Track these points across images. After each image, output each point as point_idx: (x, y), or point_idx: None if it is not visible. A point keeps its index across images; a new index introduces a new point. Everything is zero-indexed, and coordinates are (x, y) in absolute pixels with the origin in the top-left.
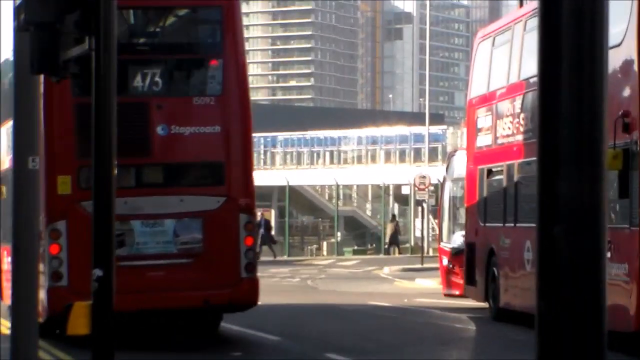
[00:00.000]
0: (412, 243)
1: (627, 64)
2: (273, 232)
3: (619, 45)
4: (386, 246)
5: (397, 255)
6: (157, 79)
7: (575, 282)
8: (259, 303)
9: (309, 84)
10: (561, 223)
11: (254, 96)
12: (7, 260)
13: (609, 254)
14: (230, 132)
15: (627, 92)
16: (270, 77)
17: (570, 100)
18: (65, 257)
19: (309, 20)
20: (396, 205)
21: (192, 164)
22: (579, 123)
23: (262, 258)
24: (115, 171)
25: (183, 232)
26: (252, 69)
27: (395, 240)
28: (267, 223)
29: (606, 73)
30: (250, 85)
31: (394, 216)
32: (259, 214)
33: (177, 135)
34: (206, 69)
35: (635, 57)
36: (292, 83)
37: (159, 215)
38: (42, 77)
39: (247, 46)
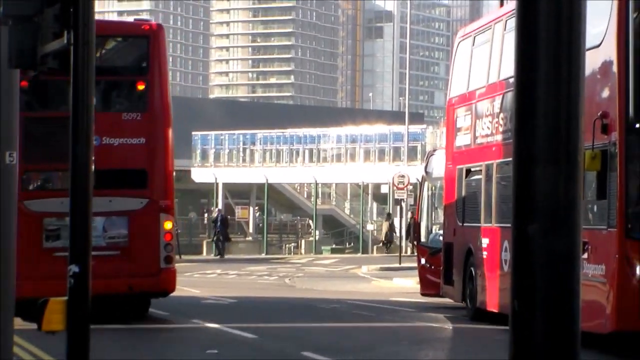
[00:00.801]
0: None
1: (606, 64)
2: (251, 230)
3: (598, 46)
4: (381, 244)
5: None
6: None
7: (549, 281)
8: (236, 300)
9: (289, 81)
10: (536, 222)
11: (234, 93)
12: None
13: (586, 255)
14: (153, 143)
15: (606, 93)
16: (250, 74)
17: (547, 100)
18: None
19: (290, 17)
20: (375, 205)
21: (120, 170)
22: (555, 122)
23: (208, 257)
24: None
25: (111, 228)
26: (232, 66)
27: (391, 238)
28: (225, 219)
29: (583, 73)
30: (230, 82)
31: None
32: (216, 210)
33: (107, 145)
34: (134, 89)
35: (614, 58)
36: (272, 80)
37: None
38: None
39: (228, 42)
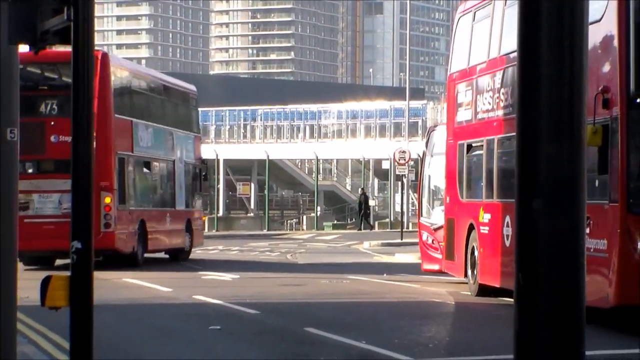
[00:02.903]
0: (392, 218)
1: (607, 39)
2: (252, 206)
3: (599, 20)
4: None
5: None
6: (54, 106)
7: (553, 255)
8: (238, 277)
9: (289, 57)
10: (540, 196)
11: (235, 69)
12: None
13: (587, 230)
14: (96, 140)
15: (606, 67)
16: (250, 50)
17: (550, 75)
18: None
19: None
20: (376, 180)
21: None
22: (558, 98)
23: (209, 232)
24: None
25: (65, 202)
26: (232, 42)
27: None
28: None
29: (586, 48)
30: (230, 59)
31: (362, 190)
32: None
33: (63, 142)
34: None
35: (615, 32)
36: (273, 56)
37: (50, 191)
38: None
39: (227, 19)
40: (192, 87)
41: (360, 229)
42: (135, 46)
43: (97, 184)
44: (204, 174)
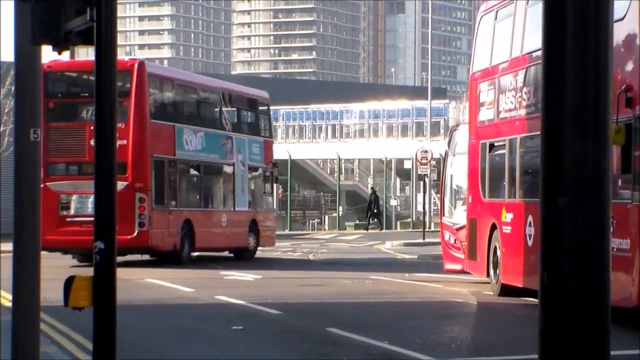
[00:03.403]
0: (414, 218)
1: (630, 38)
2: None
3: (621, 19)
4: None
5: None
6: (93, 112)
7: (579, 253)
8: (261, 276)
9: (311, 57)
10: (565, 194)
11: (256, 69)
12: None
13: (611, 229)
14: (131, 144)
15: (629, 66)
16: (272, 50)
17: (575, 72)
18: None
19: None
20: (397, 180)
21: None
22: (583, 94)
23: None
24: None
25: None
26: (254, 42)
27: (375, 213)
28: None
29: (611, 45)
30: (252, 59)
31: (372, 189)
32: None
33: None
34: (120, 106)
35: (637, 31)
36: (294, 56)
37: (89, 192)
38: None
39: (249, 19)
40: (262, 93)
41: (367, 229)
42: (157, 46)
43: (132, 185)
44: (275, 176)
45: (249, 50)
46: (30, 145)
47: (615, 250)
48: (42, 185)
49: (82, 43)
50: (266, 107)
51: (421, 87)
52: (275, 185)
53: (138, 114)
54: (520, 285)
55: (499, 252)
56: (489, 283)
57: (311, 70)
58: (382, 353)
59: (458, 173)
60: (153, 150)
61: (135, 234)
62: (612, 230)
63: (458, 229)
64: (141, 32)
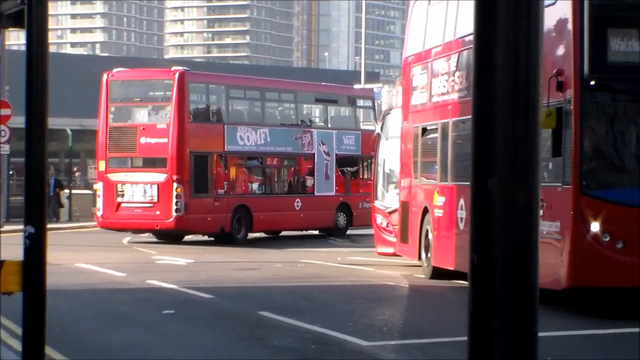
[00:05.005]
0: None
1: (562, 22)
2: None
3: (553, 4)
4: None
5: None
6: (144, 115)
7: (508, 234)
8: (193, 261)
9: (244, 41)
10: (495, 176)
11: (190, 53)
12: None
13: (541, 212)
14: (171, 142)
15: (561, 50)
16: (205, 34)
17: (505, 57)
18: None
19: None
20: None
21: (154, 157)
22: (513, 79)
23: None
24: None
25: (148, 191)
26: (187, 27)
27: None
28: (58, 183)
29: (542, 30)
30: (186, 43)
31: None
32: (50, 172)
33: (148, 142)
34: (164, 110)
35: (569, 15)
36: (228, 40)
37: (138, 182)
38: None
39: (183, 3)
40: (366, 92)
41: None
42: (89, 30)
43: (170, 177)
44: (366, 164)
45: (182, 34)
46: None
47: (545, 233)
48: (105, 177)
49: (12, 26)
50: (369, 102)
51: (354, 71)
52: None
53: (179, 118)
54: (451, 268)
55: (430, 236)
56: (420, 266)
57: (245, 54)
58: (314, 336)
59: (390, 157)
60: (192, 147)
61: (172, 218)
62: (542, 213)
63: (390, 213)
64: (73, 16)
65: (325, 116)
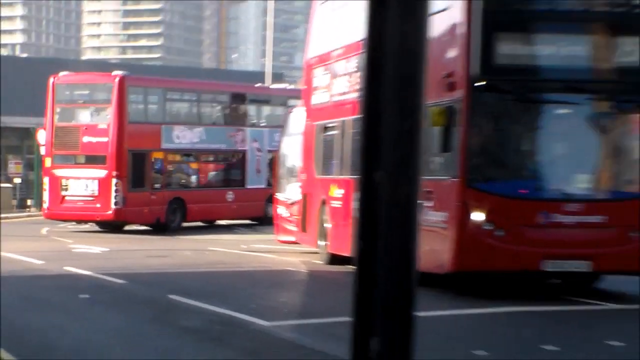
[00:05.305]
0: None
1: (453, 27)
2: None
3: (446, 9)
4: None
5: None
6: (86, 115)
7: (391, 224)
8: (108, 249)
9: (158, 43)
10: (381, 169)
11: (106, 55)
12: None
13: (432, 203)
14: (111, 141)
15: (452, 53)
16: (121, 36)
17: (393, 56)
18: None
19: None
20: None
21: (95, 155)
22: (399, 80)
23: None
24: None
25: (90, 186)
26: (103, 29)
27: None
28: None
29: (426, 34)
30: (102, 45)
31: None
32: None
33: (90, 141)
34: (105, 112)
35: (460, 20)
36: (142, 42)
37: (80, 177)
38: None
39: (99, 7)
40: (286, 90)
41: None
42: (10, 32)
43: (110, 173)
44: None
45: (98, 36)
46: None
47: (434, 222)
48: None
49: None
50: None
51: (260, 72)
52: None
53: (118, 120)
54: (347, 255)
55: (327, 225)
56: (318, 253)
57: (158, 55)
58: (221, 318)
59: (292, 152)
60: (130, 146)
61: (111, 210)
62: (433, 204)
63: (291, 204)
64: None
65: (258, 115)
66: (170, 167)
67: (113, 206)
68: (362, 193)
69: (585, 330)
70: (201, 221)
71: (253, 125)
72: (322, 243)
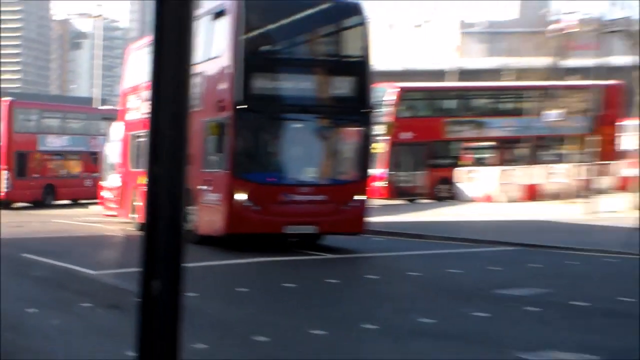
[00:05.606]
0: None
1: (224, 68)
2: None
3: (220, 56)
4: None
5: None
6: None
7: (166, 203)
8: None
9: (18, 77)
10: (160, 165)
11: None
12: None
13: (212, 188)
14: (2, 145)
15: (223, 86)
16: None
17: (168, 89)
18: None
19: (18, 34)
20: None
21: None
22: (174, 104)
23: None
24: None
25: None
26: None
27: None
28: None
29: (190, 74)
30: None
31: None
32: None
33: None
34: None
35: (228, 64)
36: (6, 77)
37: None
38: None
39: None
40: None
41: None
42: None
43: (2, 167)
44: None
45: None
46: None
47: (215, 200)
48: None
49: None
50: None
51: (90, 98)
52: None
53: (7, 130)
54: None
55: (137, 203)
56: (132, 223)
57: (18, 85)
58: (63, 269)
59: (113, 153)
60: (16, 148)
61: (3, 193)
62: (213, 188)
63: (113, 189)
64: None
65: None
66: (45, 163)
67: (4, 189)
68: (149, 181)
69: (312, 272)
70: (67, 200)
71: (104, 134)
72: (133, 216)
